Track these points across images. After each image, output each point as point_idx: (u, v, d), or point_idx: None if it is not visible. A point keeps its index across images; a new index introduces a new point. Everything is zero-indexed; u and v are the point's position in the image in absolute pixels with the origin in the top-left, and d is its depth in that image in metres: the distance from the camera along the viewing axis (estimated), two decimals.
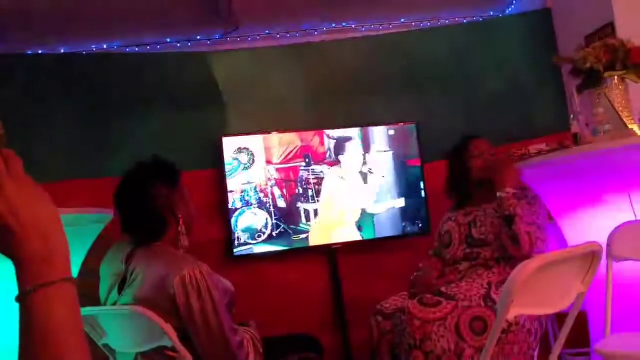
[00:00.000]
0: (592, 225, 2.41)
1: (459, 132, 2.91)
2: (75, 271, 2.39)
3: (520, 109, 3.85)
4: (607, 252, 2.07)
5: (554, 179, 2.54)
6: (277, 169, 3.52)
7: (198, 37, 3.91)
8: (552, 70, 3.65)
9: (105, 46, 3.81)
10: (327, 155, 3.58)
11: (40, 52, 3.64)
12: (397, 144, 3.66)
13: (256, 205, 3.45)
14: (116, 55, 3.78)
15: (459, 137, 2.86)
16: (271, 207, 3.48)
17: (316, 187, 3.54)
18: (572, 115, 2.51)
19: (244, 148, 3.47)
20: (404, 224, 3.61)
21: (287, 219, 3.50)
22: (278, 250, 3.46)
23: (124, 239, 2.06)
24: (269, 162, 3.50)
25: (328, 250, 3.54)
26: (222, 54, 3.76)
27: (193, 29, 3.85)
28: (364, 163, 3.61)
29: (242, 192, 3.44)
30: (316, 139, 3.58)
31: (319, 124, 3.63)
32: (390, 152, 3.64)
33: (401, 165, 3.65)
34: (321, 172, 3.55)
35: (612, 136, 2.33)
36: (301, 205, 3.53)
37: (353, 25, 4.08)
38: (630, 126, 2.39)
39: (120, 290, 1.96)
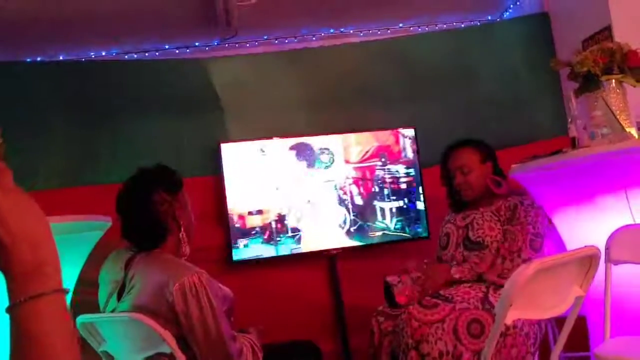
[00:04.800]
0: (590, 229, 2.41)
1: (457, 136, 2.92)
2: (73, 279, 2.39)
3: (519, 113, 3.85)
4: (606, 256, 2.08)
5: (552, 182, 2.54)
6: (355, 168, 3.59)
7: (196, 44, 3.92)
8: (550, 74, 3.65)
9: (104, 53, 3.82)
10: (403, 155, 3.64)
11: (39, 59, 3.65)
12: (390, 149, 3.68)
13: (336, 202, 3.55)
14: (115, 62, 3.78)
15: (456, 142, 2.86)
16: (349, 204, 3.54)
17: (392, 186, 3.62)
18: (570, 119, 2.51)
19: (325, 149, 3.57)
20: (403, 229, 3.61)
21: (364, 215, 3.58)
22: (276, 256, 3.45)
23: (123, 246, 2.06)
24: (347, 161, 3.59)
25: (327, 256, 3.53)
26: (220, 61, 3.77)
27: (191, 35, 3.86)
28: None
29: (324, 189, 3.55)
30: (392, 139, 3.66)
31: (318, 130, 3.62)
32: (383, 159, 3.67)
33: (397, 171, 3.66)
34: (397, 171, 3.63)
35: (610, 140, 2.32)
36: (377, 204, 3.59)
37: (351, 31, 4.08)
38: (628, 130, 2.39)
39: (119, 297, 1.96)
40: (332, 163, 3.58)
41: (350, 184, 3.59)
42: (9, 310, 0.73)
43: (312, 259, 3.54)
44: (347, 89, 3.80)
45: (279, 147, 3.53)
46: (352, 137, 3.63)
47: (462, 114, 3.81)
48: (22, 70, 3.47)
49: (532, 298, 1.54)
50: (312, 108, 3.75)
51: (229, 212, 3.41)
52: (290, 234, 3.48)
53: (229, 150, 3.45)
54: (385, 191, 3.63)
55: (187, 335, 1.84)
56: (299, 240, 3.49)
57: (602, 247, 1.97)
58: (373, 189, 3.61)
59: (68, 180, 3.30)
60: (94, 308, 2.07)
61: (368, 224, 3.58)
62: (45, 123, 3.37)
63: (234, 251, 3.38)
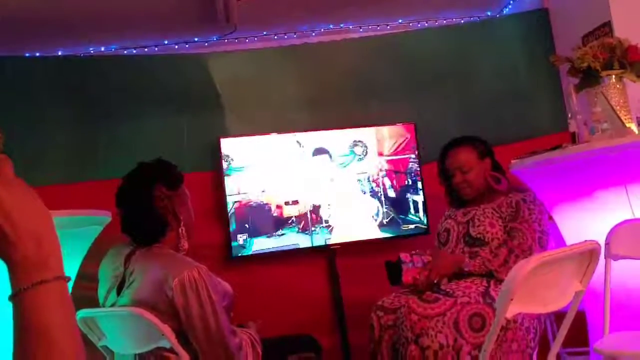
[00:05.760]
0: (590, 224, 2.41)
1: (457, 132, 2.91)
2: (73, 274, 2.39)
3: (519, 109, 3.85)
4: (606, 251, 2.07)
5: (552, 177, 2.54)
6: (388, 161, 3.61)
7: (196, 39, 3.91)
8: (550, 70, 3.65)
9: (103, 49, 3.82)
10: None
11: (38, 55, 3.64)
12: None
13: (369, 194, 3.57)
14: (114, 57, 3.78)
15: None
16: (382, 196, 3.55)
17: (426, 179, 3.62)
18: (570, 115, 2.51)
19: (359, 141, 3.59)
20: (403, 224, 3.62)
21: (397, 208, 3.59)
22: (276, 252, 3.45)
23: (123, 241, 2.06)
24: (380, 154, 3.61)
25: (327, 251, 3.53)
26: (219, 56, 3.76)
27: (191, 31, 3.85)
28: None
29: (357, 181, 3.56)
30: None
31: (317, 125, 3.62)
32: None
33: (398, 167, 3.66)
34: None
35: (610, 135, 2.33)
36: (410, 197, 3.61)
37: (351, 27, 4.08)
38: (628, 125, 2.39)
39: (119, 292, 1.96)
40: (365, 155, 3.59)
41: (383, 177, 3.60)
42: (11, 298, 0.73)
43: (312, 254, 3.54)
44: (347, 84, 3.80)
45: (314, 139, 3.57)
46: (384, 129, 3.64)
47: (462, 110, 3.81)
48: (21, 65, 3.47)
49: (533, 292, 1.54)
50: (311, 103, 3.75)
51: (266, 202, 3.44)
52: (324, 224, 3.50)
53: (228, 146, 3.45)
54: (419, 184, 3.63)
55: (187, 330, 1.84)
56: (332, 231, 3.51)
57: (601, 242, 1.97)
58: (406, 182, 3.62)
59: (67, 176, 3.30)
60: (94, 303, 2.06)
61: (401, 216, 3.59)
62: (44, 119, 3.37)
63: (233, 245, 3.38)
